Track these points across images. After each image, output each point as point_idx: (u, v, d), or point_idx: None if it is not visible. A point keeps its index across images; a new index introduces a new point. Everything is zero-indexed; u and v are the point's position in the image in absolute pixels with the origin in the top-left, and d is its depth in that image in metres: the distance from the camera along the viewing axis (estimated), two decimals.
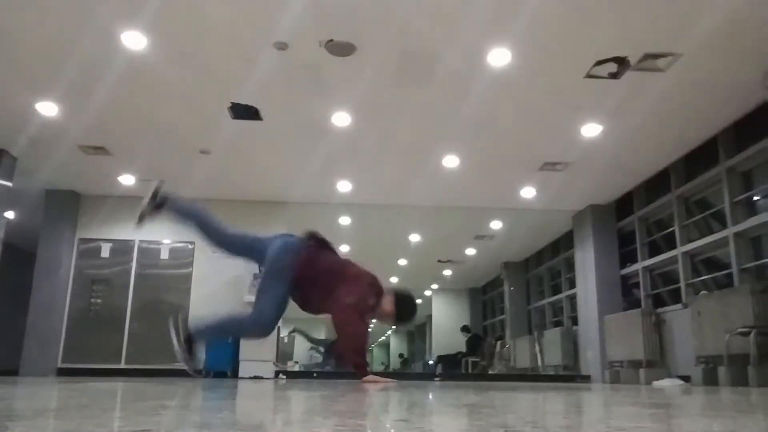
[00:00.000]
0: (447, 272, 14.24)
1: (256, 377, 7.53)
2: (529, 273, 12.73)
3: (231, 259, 3.84)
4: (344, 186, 8.16)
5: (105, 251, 8.47)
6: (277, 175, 7.87)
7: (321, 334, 21.84)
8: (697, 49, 4.75)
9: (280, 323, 8.69)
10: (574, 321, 9.80)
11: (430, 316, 17.95)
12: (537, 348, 10.59)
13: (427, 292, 17.20)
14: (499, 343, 12.70)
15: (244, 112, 5.97)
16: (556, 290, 11.27)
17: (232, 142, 6.72)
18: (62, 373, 7.83)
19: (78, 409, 1.26)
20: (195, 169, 7.52)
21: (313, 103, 5.82)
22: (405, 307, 3.66)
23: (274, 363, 8.14)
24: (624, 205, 8.57)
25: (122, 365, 8.04)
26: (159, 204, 3.56)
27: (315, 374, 10.82)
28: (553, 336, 10.10)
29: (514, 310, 12.85)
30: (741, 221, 6.12)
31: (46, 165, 7.38)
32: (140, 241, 8.54)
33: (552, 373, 9.78)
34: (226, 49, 4.90)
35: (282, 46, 4.81)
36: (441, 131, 6.47)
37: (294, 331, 17.43)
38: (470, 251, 12.27)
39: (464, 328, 14.15)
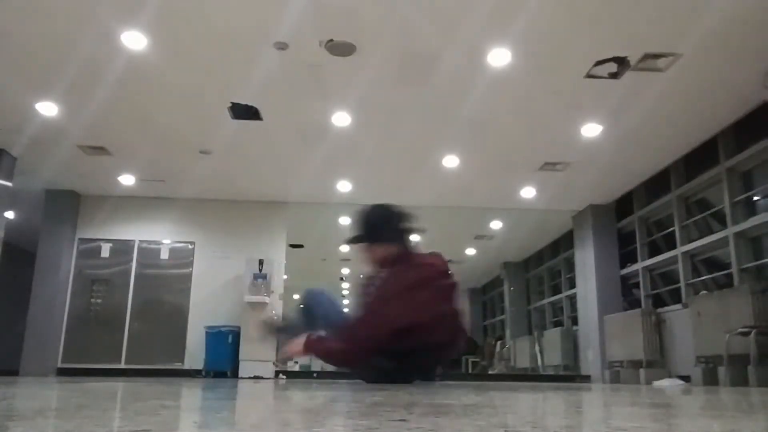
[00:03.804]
0: None
1: (256, 377, 7.54)
2: (529, 273, 12.73)
3: None
4: (344, 186, 8.17)
5: (105, 251, 8.47)
6: (277, 175, 7.87)
7: None
8: (697, 49, 4.75)
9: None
10: (574, 321, 9.80)
11: None
12: (537, 348, 10.59)
13: None
14: (499, 343, 12.70)
15: (244, 112, 5.97)
16: (556, 290, 11.28)
17: (232, 142, 6.72)
18: (62, 373, 7.83)
19: (78, 409, 1.26)
20: (195, 169, 7.53)
21: (313, 103, 5.82)
22: None
23: (274, 363, 8.14)
24: (624, 205, 8.57)
25: (122, 365, 8.04)
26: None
27: (315, 374, 10.81)
28: (553, 336, 10.10)
29: (514, 310, 12.85)
30: (741, 221, 6.11)
31: (46, 165, 7.38)
32: (140, 241, 8.56)
33: (552, 373, 9.78)
34: (226, 49, 4.90)
35: (282, 46, 4.81)
36: (441, 131, 6.47)
37: None
38: (470, 251, 12.26)
39: None
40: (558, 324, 10.82)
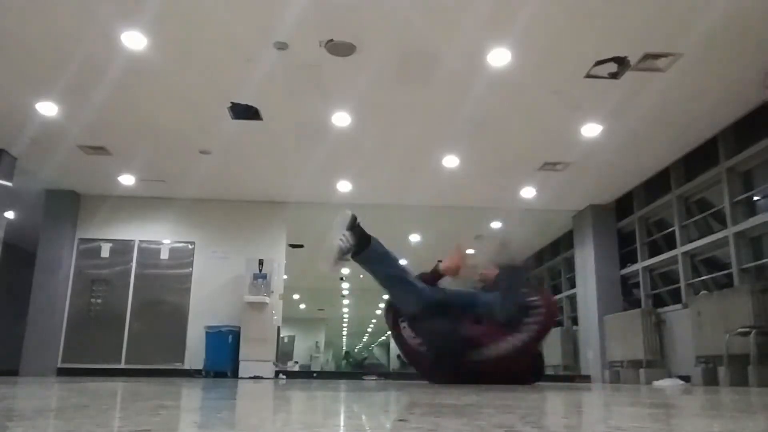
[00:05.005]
0: None
1: (256, 377, 7.54)
2: (529, 273, 12.72)
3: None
4: (344, 186, 8.17)
5: (105, 251, 8.47)
6: (277, 175, 7.87)
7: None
8: (697, 49, 4.75)
9: (280, 323, 8.67)
10: (574, 321, 9.80)
11: None
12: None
13: None
14: None
15: (244, 112, 5.97)
16: (556, 290, 11.27)
17: (232, 142, 6.72)
18: (62, 373, 7.83)
19: (78, 409, 1.26)
20: (195, 169, 7.53)
21: (313, 103, 5.82)
22: None
23: (274, 363, 8.14)
24: (624, 205, 8.57)
25: (122, 365, 8.04)
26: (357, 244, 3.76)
27: (315, 374, 10.83)
28: (553, 336, 10.09)
29: None
30: (741, 221, 6.11)
31: (46, 165, 7.38)
32: (140, 241, 8.56)
33: (552, 373, 9.78)
34: (226, 49, 4.90)
35: (282, 46, 4.81)
36: (441, 131, 6.47)
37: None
38: (470, 251, 12.25)
39: None
40: (558, 324, 10.82)
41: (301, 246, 11.22)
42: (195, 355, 8.05)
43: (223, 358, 7.81)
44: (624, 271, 8.52)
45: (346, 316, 23.74)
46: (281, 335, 9.03)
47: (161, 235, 8.63)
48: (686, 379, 6.38)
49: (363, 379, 8.30)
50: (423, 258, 12.65)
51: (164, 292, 8.43)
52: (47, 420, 1.04)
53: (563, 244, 10.68)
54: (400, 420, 1.08)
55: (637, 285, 8.23)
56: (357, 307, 20.91)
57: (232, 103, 5.81)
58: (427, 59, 5.02)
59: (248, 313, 7.98)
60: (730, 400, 2.21)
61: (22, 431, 0.86)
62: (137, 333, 8.19)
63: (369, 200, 8.74)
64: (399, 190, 8.33)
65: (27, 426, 0.91)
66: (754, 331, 5.13)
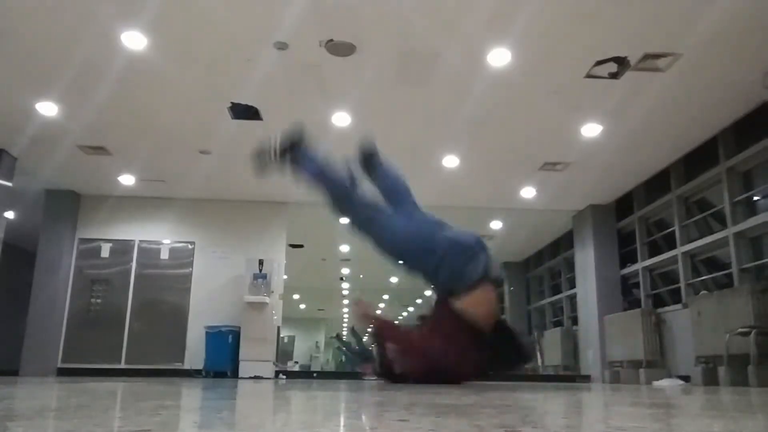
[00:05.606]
0: None
1: (256, 377, 7.54)
2: (529, 273, 12.73)
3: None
4: None
5: (105, 251, 8.47)
6: (277, 175, 7.85)
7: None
8: (697, 49, 4.75)
9: (280, 323, 8.67)
10: (574, 321, 9.80)
11: None
12: (537, 348, 10.59)
13: (428, 293, 17.21)
14: None
15: (244, 112, 5.97)
16: (556, 290, 11.27)
17: (232, 142, 6.72)
18: (62, 373, 7.83)
19: (78, 409, 1.26)
20: (195, 169, 7.53)
21: (313, 103, 5.82)
22: None
23: (274, 363, 8.14)
24: (624, 205, 8.57)
25: (122, 365, 8.04)
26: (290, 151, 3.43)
27: (315, 374, 10.85)
28: (553, 336, 10.10)
29: (514, 310, 12.85)
30: (741, 221, 6.11)
31: (46, 165, 7.38)
32: (140, 241, 8.56)
33: (552, 373, 9.78)
34: (226, 49, 4.90)
35: (282, 46, 4.81)
36: (441, 131, 6.47)
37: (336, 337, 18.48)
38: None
39: None
40: (558, 324, 10.82)
41: (301, 246, 11.23)
42: (195, 355, 8.05)
43: (223, 358, 7.81)
44: (624, 271, 8.52)
45: (346, 316, 23.74)
46: (281, 335, 9.03)
47: (161, 235, 8.63)
48: (686, 379, 6.38)
49: (363, 379, 8.30)
50: None
51: (164, 292, 8.42)
52: (47, 420, 1.04)
53: (563, 244, 10.68)
54: (400, 420, 1.08)
55: (637, 285, 8.23)
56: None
57: (232, 103, 5.81)
58: (427, 59, 5.02)
59: (248, 313, 7.98)
60: (730, 400, 2.21)
61: (22, 431, 0.86)
62: (137, 333, 8.19)
63: None
64: None
65: (27, 426, 0.91)
66: (754, 331, 5.13)
